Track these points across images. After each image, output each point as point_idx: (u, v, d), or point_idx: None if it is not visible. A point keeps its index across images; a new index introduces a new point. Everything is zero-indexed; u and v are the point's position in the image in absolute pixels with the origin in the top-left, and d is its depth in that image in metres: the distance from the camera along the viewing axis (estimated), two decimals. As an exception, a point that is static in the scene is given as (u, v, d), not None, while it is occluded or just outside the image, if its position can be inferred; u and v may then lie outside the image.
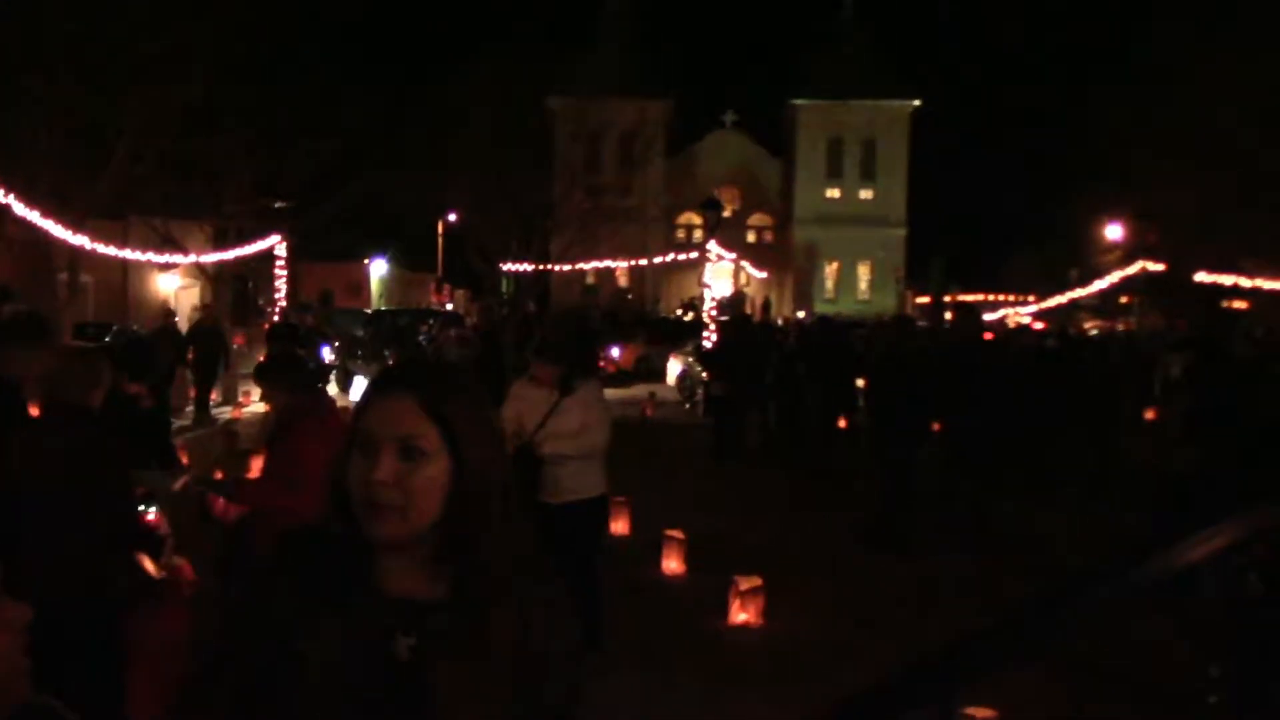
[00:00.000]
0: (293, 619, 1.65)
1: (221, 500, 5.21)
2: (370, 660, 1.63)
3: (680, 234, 64.16)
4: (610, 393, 21.72)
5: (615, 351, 28.02)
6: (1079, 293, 38.44)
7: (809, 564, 9.14)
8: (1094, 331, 31.13)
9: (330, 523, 1.70)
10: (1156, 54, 33.51)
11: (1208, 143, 31.40)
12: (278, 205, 28.33)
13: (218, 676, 1.68)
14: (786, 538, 10.17)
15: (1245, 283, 31.26)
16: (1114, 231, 43.28)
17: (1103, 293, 37.64)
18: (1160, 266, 29.94)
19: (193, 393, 18.18)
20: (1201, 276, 31.47)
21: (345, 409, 6.48)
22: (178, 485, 5.34)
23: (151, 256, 20.86)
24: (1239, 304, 35.50)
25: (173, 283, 32.80)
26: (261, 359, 5.64)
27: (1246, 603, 4.81)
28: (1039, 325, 30.74)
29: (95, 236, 18.37)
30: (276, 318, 19.62)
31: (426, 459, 1.65)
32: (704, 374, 18.62)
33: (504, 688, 1.67)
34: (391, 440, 1.65)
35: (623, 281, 62.62)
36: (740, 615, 7.28)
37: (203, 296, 28.57)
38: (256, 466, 9.71)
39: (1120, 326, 37.04)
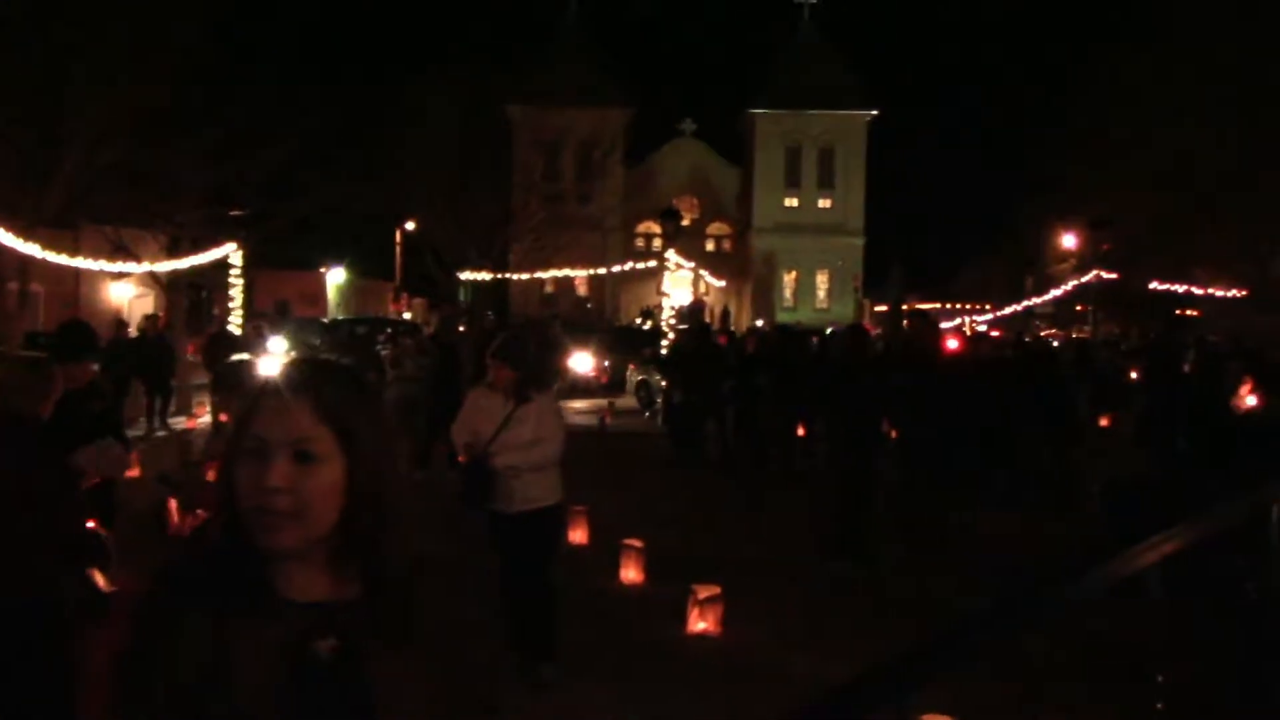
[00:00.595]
0: (203, 636, 1.62)
1: (175, 504, 5.14)
2: (290, 668, 1.60)
3: (639, 243, 64.26)
4: (575, 404, 21.71)
5: (588, 363, 27.64)
6: (1034, 301, 38.85)
7: (767, 572, 9.16)
8: (1050, 339, 31.42)
9: (221, 534, 1.66)
10: (1108, 66, 33.99)
11: (1159, 153, 31.85)
12: (233, 213, 28.06)
13: (142, 697, 1.64)
14: (745, 546, 10.18)
15: (1197, 291, 31.72)
16: (1068, 240, 43.79)
17: (1057, 300, 38.04)
18: (1114, 275, 30.26)
19: (145, 403, 17.98)
20: (1155, 285, 31.89)
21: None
22: (125, 468, 5.17)
23: (104, 265, 20.60)
24: (1192, 312, 36.02)
25: (126, 292, 32.44)
26: (221, 367, 5.55)
27: (1244, 611, 4.85)
28: (995, 333, 31.02)
29: (46, 245, 18.13)
30: (232, 328, 19.42)
31: (321, 463, 1.63)
32: (662, 383, 18.65)
33: (438, 670, 1.68)
34: (284, 445, 1.62)
35: (582, 290, 62.61)
36: (699, 624, 7.28)
37: (156, 306, 28.28)
38: (213, 475, 9.64)
39: (1075, 334, 37.45)
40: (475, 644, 1.78)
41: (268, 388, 1.69)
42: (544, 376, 6.57)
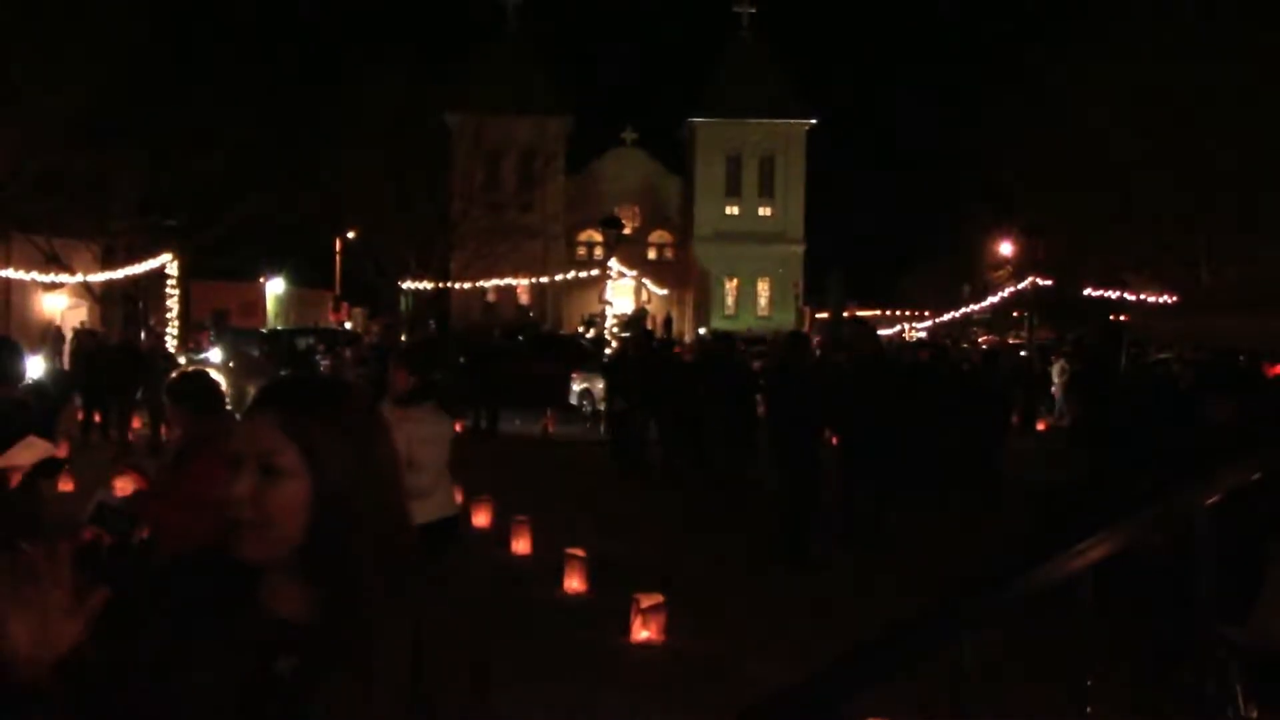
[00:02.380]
0: (164, 644, 1.65)
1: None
2: (252, 680, 1.62)
3: (581, 251, 64.26)
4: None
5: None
6: (972, 307, 39.38)
7: (710, 579, 9.20)
8: (984, 345, 31.87)
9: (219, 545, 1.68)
10: (1034, 74, 34.50)
11: (1085, 161, 32.39)
12: (168, 223, 27.69)
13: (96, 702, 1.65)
14: (687, 554, 10.21)
15: (1129, 296, 32.28)
16: (1004, 248, 44.41)
17: (994, 307, 38.58)
18: (1049, 281, 30.77)
19: (79, 415, 17.69)
20: (1089, 291, 32.42)
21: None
22: (43, 452, 5.03)
23: (35, 276, 20.26)
24: (1124, 317, 36.63)
25: (59, 303, 31.87)
26: (173, 379, 5.45)
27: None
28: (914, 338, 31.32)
29: (-25, 255, 17.80)
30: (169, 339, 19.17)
31: (284, 477, 1.65)
32: (604, 391, 18.66)
33: (391, 708, 1.66)
34: (251, 457, 1.66)
35: (524, 299, 62.47)
36: (642, 632, 7.30)
37: (91, 318, 27.83)
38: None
39: (1011, 340, 37.98)
40: (441, 664, 1.75)
41: (250, 404, 1.73)
42: (429, 387, 6.37)
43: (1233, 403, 5.78)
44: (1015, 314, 40.88)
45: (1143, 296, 32.02)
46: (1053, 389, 23.92)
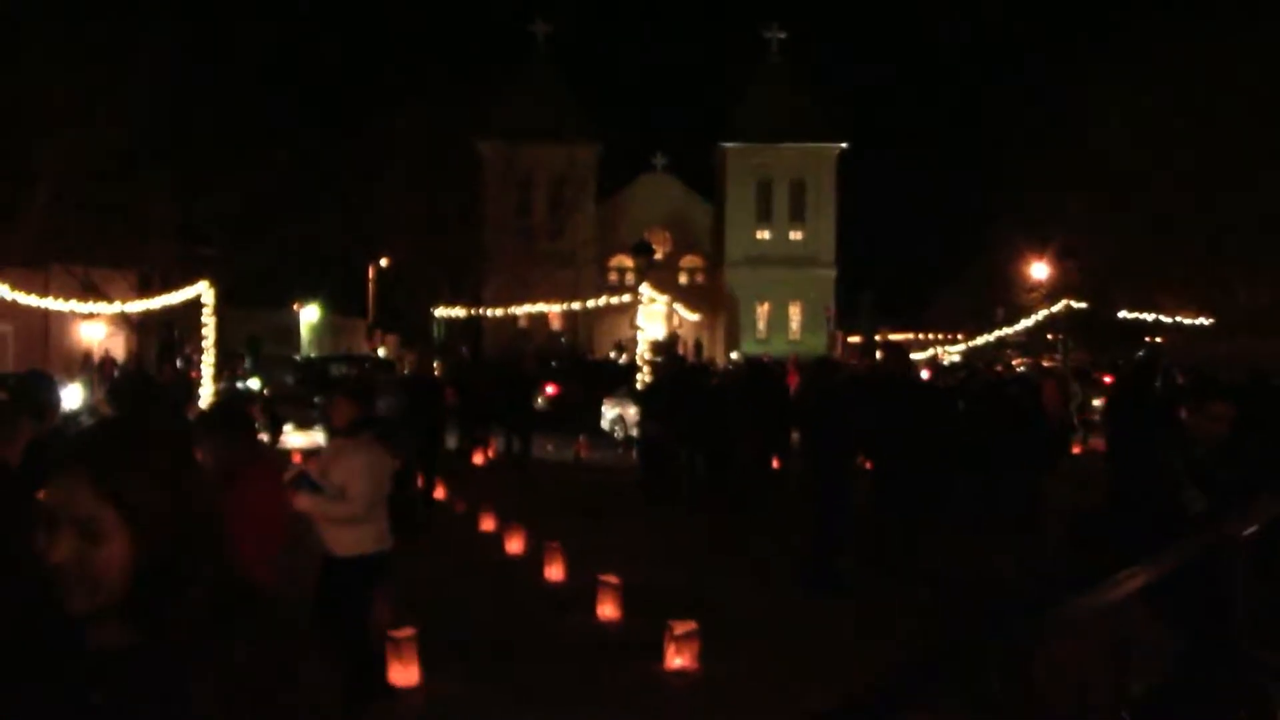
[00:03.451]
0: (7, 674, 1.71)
1: None
2: (69, 712, 1.65)
3: (613, 277, 64.34)
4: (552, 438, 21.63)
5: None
6: (1005, 331, 39.09)
7: (744, 606, 9.15)
8: (1021, 368, 31.64)
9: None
10: (1073, 98, 34.41)
11: (1121, 184, 32.24)
12: (204, 251, 28.01)
13: None
14: (721, 580, 10.16)
15: (1164, 319, 32.02)
16: (1038, 270, 44.15)
17: (1029, 330, 38.30)
18: (1083, 304, 30.54)
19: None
20: (1123, 314, 32.18)
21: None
22: None
23: (74, 305, 20.47)
24: (1158, 339, 36.35)
25: (96, 332, 32.21)
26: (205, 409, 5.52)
27: None
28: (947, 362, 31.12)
29: (15, 285, 18.02)
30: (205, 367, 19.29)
31: (106, 538, 1.64)
32: (636, 416, 18.64)
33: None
34: (70, 521, 1.64)
35: (556, 325, 62.58)
36: (676, 660, 7.26)
37: (128, 346, 28.09)
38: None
39: (1046, 363, 37.68)
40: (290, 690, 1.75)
41: (56, 460, 1.71)
42: (367, 419, 6.30)
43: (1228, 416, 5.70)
44: (1050, 337, 40.57)
45: (1177, 319, 31.76)
46: (1075, 418, 23.66)
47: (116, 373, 18.87)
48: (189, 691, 1.66)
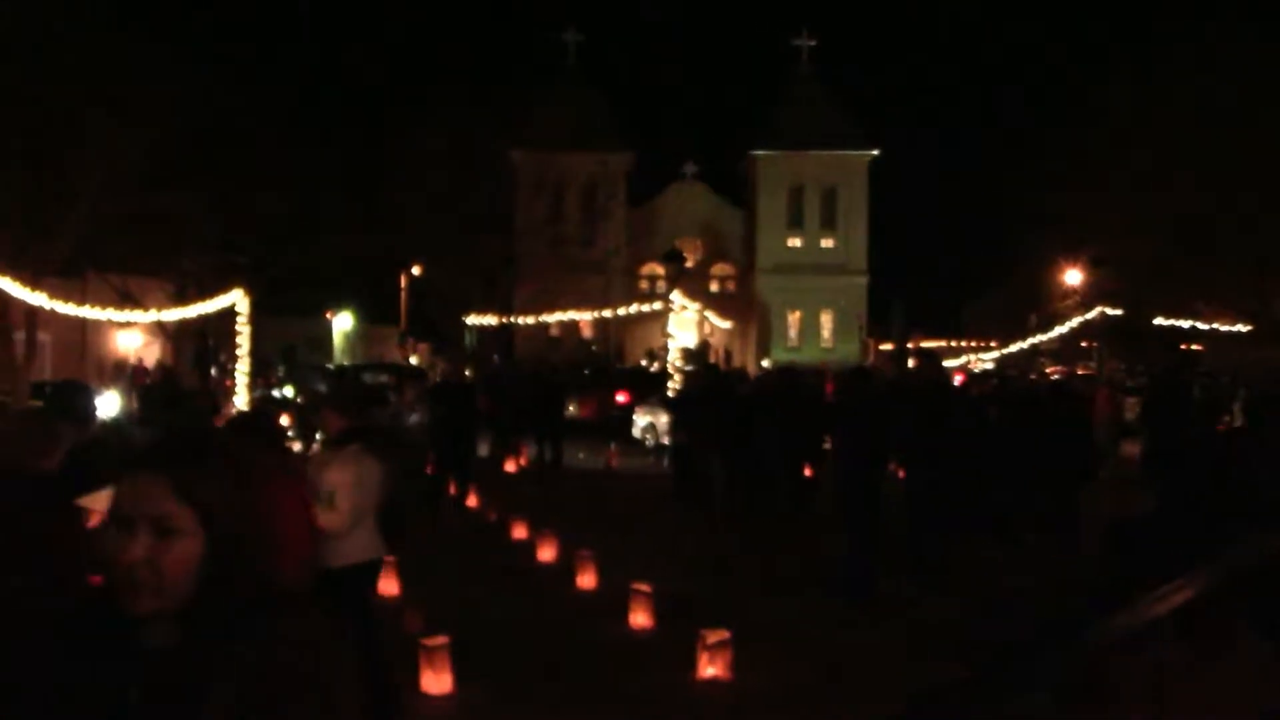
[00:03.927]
0: (53, 674, 1.78)
1: None
2: (111, 707, 1.72)
3: (644, 284, 64.34)
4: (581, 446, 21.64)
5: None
6: (1039, 338, 38.82)
7: (776, 615, 9.10)
8: (1055, 376, 31.40)
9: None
10: (1108, 102, 34.17)
11: (1158, 190, 31.97)
12: (238, 260, 28.22)
13: None
14: (753, 589, 10.12)
15: (1202, 326, 31.69)
16: (1072, 277, 43.83)
17: (1063, 338, 38.03)
18: (1118, 311, 30.28)
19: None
20: (1159, 321, 31.89)
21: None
22: None
23: (111, 314, 20.66)
24: (1196, 347, 36.01)
25: (133, 340, 32.53)
26: (235, 416, 5.56)
27: None
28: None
29: (53, 294, 18.21)
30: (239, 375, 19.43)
31: (180, 536, 1.72)
32: (668, 424, 18.63)
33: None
34: (144, 519, 1.71)
35: (587, 333, 62.67)
36: (709, 669, 7.23)
37: (163, 355, 28.34)
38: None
39: (1081, 371, 37.40)
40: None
41: (133, 463, 1.79)
42: (363, 427, 6.32)
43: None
44: (1084, 344, 40.27)
45: (1215, 326, 31.44)
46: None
47: (147, 380, 19.00)
48: (210, 696, 1.71)
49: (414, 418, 12.81)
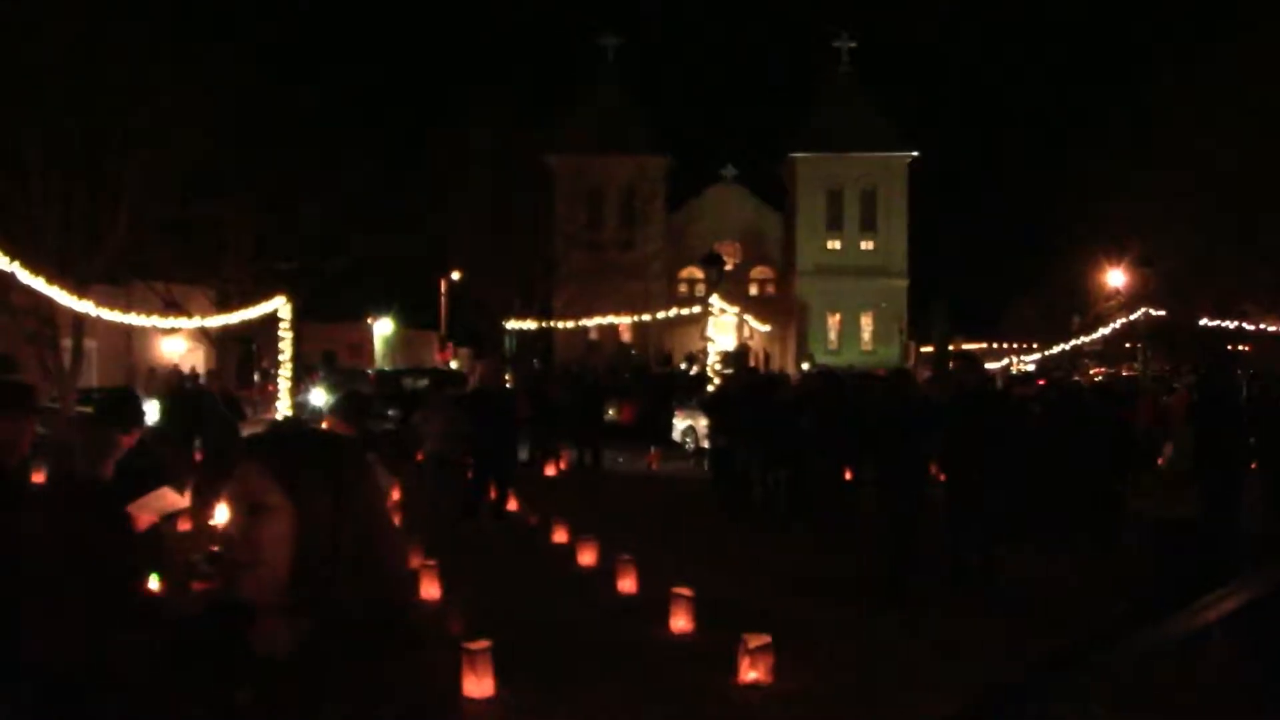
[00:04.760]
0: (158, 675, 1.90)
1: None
2: (220, 711, 1.80)
3: (683, 288, 64.35)
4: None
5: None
6: (1082, 339, 38.48)
7: (818, 620, 9.06)
8: (1098, 377, 31.12)
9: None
10: (1154, 101, 33.85)
11: (1205, 189, 31.62)
12: (282, 266, 28.48)
13: None
14: (794, 594, 10.08)
15: (1248, 326, 31.30)
16: (1115, 278, 43.42)
17: (1106, 339, 37.67)
18: (1162, 312, 29.95)
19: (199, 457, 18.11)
20: (1204, 321, 31.53)
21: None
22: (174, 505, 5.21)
23: (155, 321, 20.89)
24: (1243, 347, 35.56)
25: (177, 347, 32.89)
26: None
27: None
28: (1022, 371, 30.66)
29: (99, 302, 18.42)
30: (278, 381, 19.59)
31: (269, 513, 1.80)
32: (708, 428, 18.60)
33: None
34: (241, 501, 1.82)
35: (626, 336, 62.71)
36: (750, 673, 7.21)
37: (207, 361, 28.64)
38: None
39: (1125, 372, 37.05)
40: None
41: (242, 454, 1.90)
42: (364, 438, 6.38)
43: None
44: (1128, 345, 39.88)
45: (1263, 326, 31.03)
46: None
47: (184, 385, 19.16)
48: (324, 704, 1.77)
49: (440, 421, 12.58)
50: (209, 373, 21.28)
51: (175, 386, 17.21)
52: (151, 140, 22.22)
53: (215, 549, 7.73)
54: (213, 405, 14.61)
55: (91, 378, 27.74)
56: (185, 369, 26.63)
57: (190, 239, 27.11)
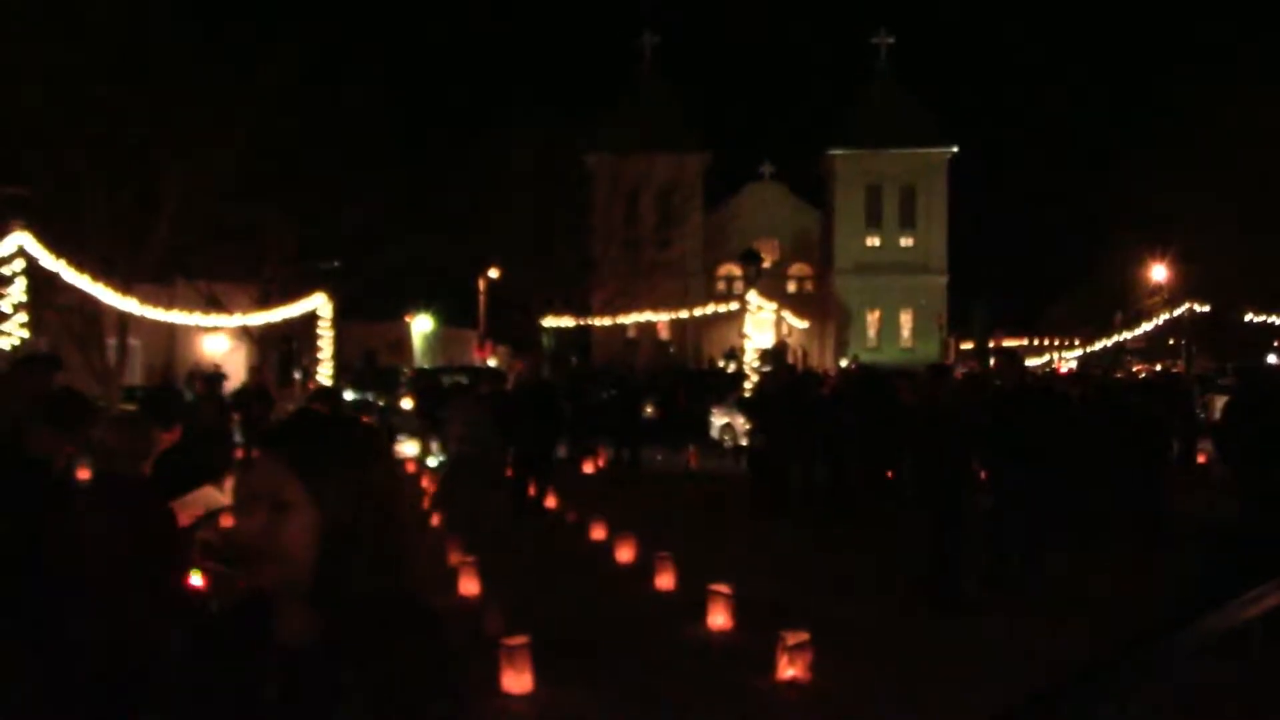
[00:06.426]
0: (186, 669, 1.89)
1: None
2: (247, 703, 1.80)
3: (721, 285, 64.28)
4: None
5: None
6: (1125, 336, 38.11)
7: (857, 619, 9.02)
8: (1142, 375, 30.78)
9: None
10: (1196, 93, 33.47)
11: (1250, 182, 31.21)
12: (325, 265, 28.72)
13: None
14: (834, 592, 10.04)
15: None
16: (1158, 273, 42.97)
17: (1149, 335, 37.28)
18: (1207, 308, 29.60)
19: (239, 454, 18.28)
20: (1250, 317, 31.13)
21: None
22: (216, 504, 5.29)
23: (198, 319, 21.14)
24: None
25: (219, 345, 33.18)
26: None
27: None
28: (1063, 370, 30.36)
29: (142, 300, 18.64)
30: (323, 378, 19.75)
31: (291, 510, 1.79)
32: (746, 425, 18.57)
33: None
34: (262, 495, 1.81)
35: (664, 334, 62.71)
36: (788, 671, 7.19)
37: (249, 359, 28.88)
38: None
39: (1172, 369, 36.63)
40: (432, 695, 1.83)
41: (259, 444, 1.91)
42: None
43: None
44: (1171, 342, 39.45)
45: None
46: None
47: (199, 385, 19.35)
48: (345, 693, 1.77)
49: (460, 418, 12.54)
50: (250, 368, 21.44)
51: (163, 381, 17.37)
52: (196, 142, 22.45)
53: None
54: (187, 407, 14.50)
55: (135, 375, 28.04)
56: (225, 368, 26.90)
57: (232, 241, 27.37)
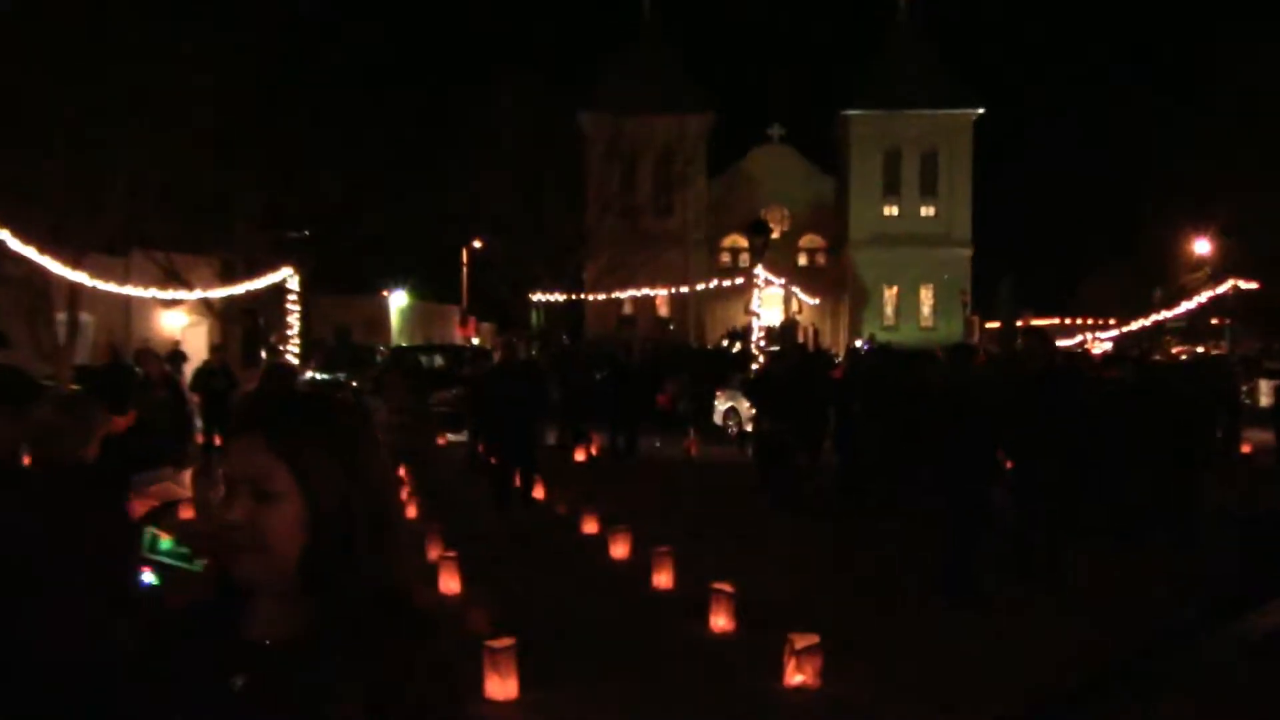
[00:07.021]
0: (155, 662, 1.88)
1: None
2: (209, 699, 1.78)
3: (725, 258, 64.32)
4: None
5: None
6: (1164, 315, 38.10)
7: (870, 619, 9.06)
8: (1183, 356, 30.81)
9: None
10: (1244, 54, 33.42)
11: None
12: (294, 236, 28.64)
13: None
14: (844, 591, 10.08)
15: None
16: (1201, 247, 42.93)
17: (1190, 314, 37.28)
18: (1253, 285, 29.60)
19: (199, 439, 18.29)
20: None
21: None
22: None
23: (155, 293, 21.09)
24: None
25: (178, 320, 33.13)
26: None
27: None
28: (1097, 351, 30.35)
29: (95, 273, 18.58)
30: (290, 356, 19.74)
31: (278, 499, 1.79)
32: (751, 410, 18.58)
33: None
34: (244, 482, 1.79)
35: (663, 311, 62.72)
36: (796, 676, 7.22)
37: (210, 336, 28.87)
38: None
39: (1215, 350, 36.64)
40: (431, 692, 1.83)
41: (234, 424, 1.88)
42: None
43: None
44: (1214, 322, 39.44)
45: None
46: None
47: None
48: (336, 692, 1.76)
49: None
50: (212, 346, 21.44)
51: (111, 359, 17.34)
52: (157, 102, 22.35)
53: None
54: (142, 385, 14.56)
55: (87, 352, 28.00)
56: (184, 345, 26.90)
57: (194, 207, 27.28)
